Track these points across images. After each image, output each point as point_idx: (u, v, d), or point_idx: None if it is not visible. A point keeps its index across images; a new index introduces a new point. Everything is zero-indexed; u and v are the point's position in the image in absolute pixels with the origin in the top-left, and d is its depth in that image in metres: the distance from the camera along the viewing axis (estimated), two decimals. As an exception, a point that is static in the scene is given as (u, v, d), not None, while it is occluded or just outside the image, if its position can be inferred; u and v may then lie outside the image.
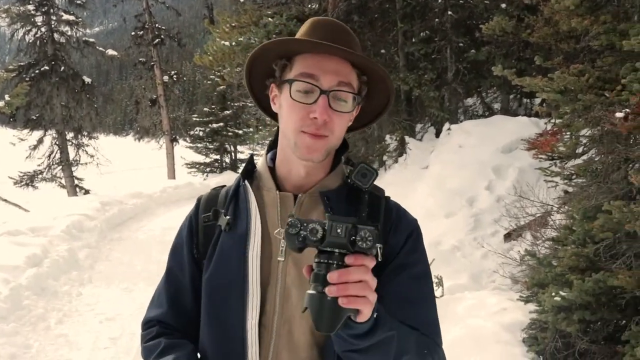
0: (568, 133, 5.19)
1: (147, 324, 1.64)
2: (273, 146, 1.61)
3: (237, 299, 1.47)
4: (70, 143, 21.54)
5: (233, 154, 27.54)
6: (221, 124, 26.13)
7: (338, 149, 1.58)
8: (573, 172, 5.23)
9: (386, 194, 1.60)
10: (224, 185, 1.66)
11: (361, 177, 1.45)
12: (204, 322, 1.55)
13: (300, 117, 1.43)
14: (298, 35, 1.51)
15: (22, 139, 20.28)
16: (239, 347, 1.44)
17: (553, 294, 4.41)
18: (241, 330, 1.45)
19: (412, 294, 1.48)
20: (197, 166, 26.81)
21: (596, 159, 4.89)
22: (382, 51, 13.19)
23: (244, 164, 1.69)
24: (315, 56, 1.43)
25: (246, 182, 1.56)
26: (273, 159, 1.59)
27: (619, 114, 3.80)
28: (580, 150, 5.07)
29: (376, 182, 1.48)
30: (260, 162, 1.62)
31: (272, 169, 1.57)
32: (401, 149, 12.25)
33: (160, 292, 1.65)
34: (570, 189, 5.75)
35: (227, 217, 1.54)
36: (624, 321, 4.43)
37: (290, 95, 1.43)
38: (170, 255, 1.66)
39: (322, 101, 1.39)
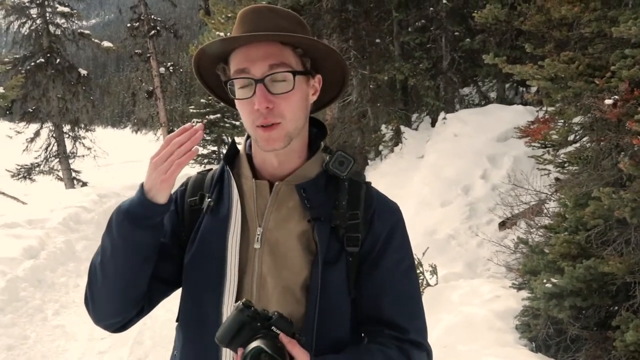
0: (560, 121, 5.21)
1: None
2: None
3: (215, 281, 1.49)
4: (67, 135, 21.46)
5: (230, 145, 27.49)
6: (218, 115, 26.07)
7: (316, 134, 1.59)
8: (565, 159, 5.25)
9: (368, 181, 1.59)
10: (211, 169, 1.67)
11: (339, 165, 1.47)
12: (183, 299, 1.57)
13: (248, 113, 1.44)
14: (232, 32, 1.51)
15: (18, 132, 20.23)
16: (213, 329, 1.42)
17: (545, 281, 4.44)
18: (216, 313, 1.47)
19: (403, 291, 1.52)
20: (195, 158, 26.65)
21: (588, 146, 4.90)
22: (377, 41, 13.14)
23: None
24: (242, 49, 1.44)
25: (228, 167, 1.58)
26: (251, 146, 1.59)
27: (608, 101, 3.81)
28: (572, 137, 5.08)
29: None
30: (240, 148, 1.63)
31: (250, 156, 1.58)
32: (397, 139, 12.24)
33: None
34: (562, 177, 5.77)
35: (210, 199, 1.56)
36: (615, 307, 4.47)
37: (234, 95, 1.46)
38: None
39: (258, 91, 1.40)
